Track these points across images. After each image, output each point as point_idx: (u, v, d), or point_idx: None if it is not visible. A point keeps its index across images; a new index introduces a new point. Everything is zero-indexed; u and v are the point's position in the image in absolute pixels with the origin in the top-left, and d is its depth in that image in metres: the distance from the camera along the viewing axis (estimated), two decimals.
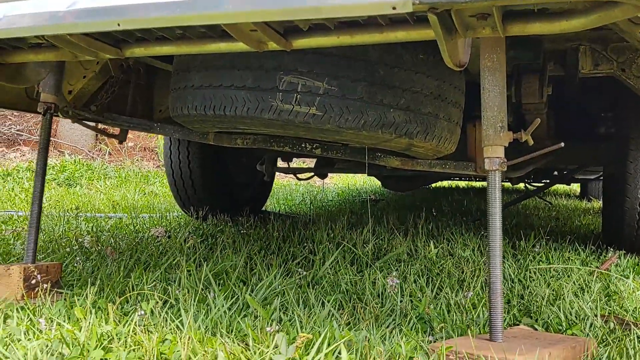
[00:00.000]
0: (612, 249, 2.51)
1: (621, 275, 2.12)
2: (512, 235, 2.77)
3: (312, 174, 3.02)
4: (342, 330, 1.29)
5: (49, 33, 1.13)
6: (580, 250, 2.50)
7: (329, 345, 1.13)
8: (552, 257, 2.35)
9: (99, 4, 1.06)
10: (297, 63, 1.44)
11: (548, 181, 3.48)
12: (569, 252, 2.47)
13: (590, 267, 2.29)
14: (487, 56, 1.22)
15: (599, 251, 2.53)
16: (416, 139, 1.57)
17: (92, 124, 1.91)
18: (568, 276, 2.06)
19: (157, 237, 2.63)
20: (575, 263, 2.30)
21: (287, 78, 1.44)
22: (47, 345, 1.14)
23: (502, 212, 1.25)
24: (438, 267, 2.09)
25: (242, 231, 2.52)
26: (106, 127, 2.02)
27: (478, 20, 0.96)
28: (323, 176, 3.11)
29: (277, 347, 1.11)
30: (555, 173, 3.67)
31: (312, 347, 1.10)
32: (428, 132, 1.59)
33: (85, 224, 3.03)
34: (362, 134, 1.51)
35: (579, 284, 1.95)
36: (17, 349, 1.13)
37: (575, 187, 7.56)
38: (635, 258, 2.38)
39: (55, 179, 5.24)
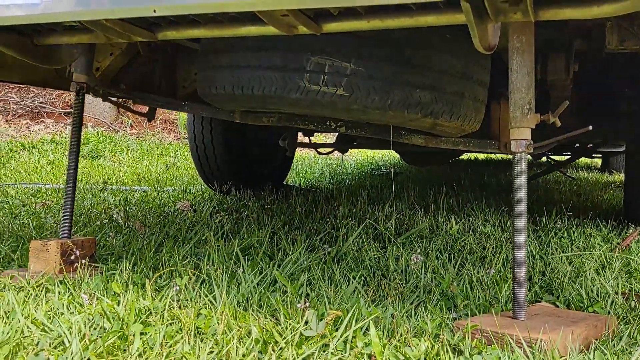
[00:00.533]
0: (633, 225, 2.52)
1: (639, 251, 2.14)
2: (533, 210, 2.79)
3: (333, 148, 3.05)
4: (369, 306, 1.33)
5: (86, 19, 1.16)
6: (601, 226, 2.51)
7: (357, 321, 1.18)
8: (573, 233, 2.36)
9: None
10: (324, 44, 1.46)
11: (570, 155, 3.47)
12: (591, 227, 2.48)
13: (611, 243, 2.31)
14: (516, 37, 1.23)
15: (620, 227, 2.54)
16: (441, 118, 1.59)
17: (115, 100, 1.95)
18: (590, 253, 2.08)
19: (183, 211, 2.69)
20: (596, 239, 2.31)
21: (314, 59, 1.46)
22: (89, 319, 1.20)
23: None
24: (460, 243, 2.12)
25: (265, 206, 2.57)
26: (134, 105, 2.05)
27: (510, 6, 0.97)
28: (344, 151, 3.14)
29: (307, 323, 1.16)
30: (577, 145, 3.66)
31: (341, 324, 1.15)
32: (453, 111, 1.60)
33: (112, 197, 3.10)
34: (388, 113, 1.53)
35: (601, 261, 1.97)
36: (61, 322, 1.19)
37: (597, 160, 7.49)
38: None
39: (80, 152, 5.33)
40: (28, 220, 2.40)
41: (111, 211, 2.68)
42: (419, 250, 1.90)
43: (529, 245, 2.08)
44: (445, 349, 1.07)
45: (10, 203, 2.98)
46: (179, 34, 1.30)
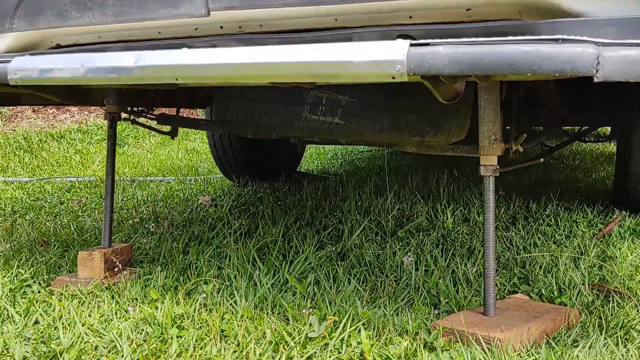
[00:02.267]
0: (617, 210, 2.73)
1: (619, 239, 2.36)
2: (527, 196, 3.00)
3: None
4: (364, 306, 1.59)
5: (120, 83, 1.40)
6: (588, 211, 2.72)
7: (352, 322, 1.44)
8: (560, 220, 2.58)
9: (158, 62, 1.33)
10: None
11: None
12: (577, 213, 2.70)
13: (595, 228, 2.53)
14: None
15: (606, 211, 2.75)
16: (427, 136, 1.82)
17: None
18: (571, 241, 2.30)
19: (205, 205, 2.97)
20: (581, 225, 2.53)
21: (313, 93, 1.69)
22: (135, 326, 1.48)
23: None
24: (454, 235, 2.36)
25: (279, 202, 2.82)
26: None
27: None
28: (351, 143, 3.36)
29: (311, 326, 1.42)
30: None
31: (339, 326, 1.41)
32: (438, 129, 1.82)
33: (140, 192, 3.38)
34: (379, 135, 1.76)
35: (579, 249, 2.20)
36: (112, 328, 1.47)
37: (606, 128, 7.57)
38: (637, 218, 2.59)
39: (105, 139, 5.62)
40: (68, 221, 2.69)
41: (140, 208, 2.96)
42: (412, 245, 2.14)
43: (515, 237, 2.31)
44: (421, 347, 1.32)
45: (49, 201, 3.28)
46: (196, 82, 1.54)
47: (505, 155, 1.55)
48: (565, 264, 2.00)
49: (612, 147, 5.88)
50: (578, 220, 2.60)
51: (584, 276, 1.91)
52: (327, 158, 4.94)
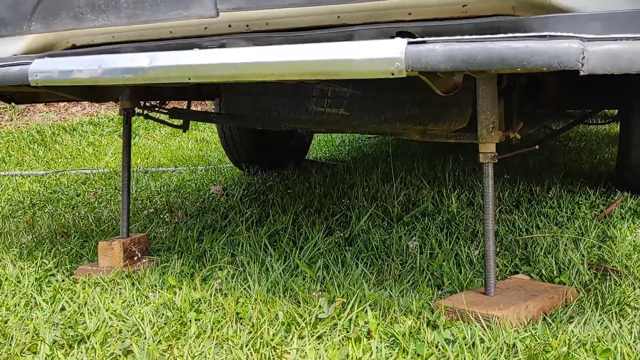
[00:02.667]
0: (619, 191, 2.79)
1: (620, 219, 2.42)
2: (531, 179, 3.07)
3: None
4: (371, 289, 1.68)
5: (136, 83, 1.49)
6: (590, 193, 2.78)
7: (360, 303, 1.53)
8: (562, 202, 2.65)
9: (171, 62, 1.41)
10: None
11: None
12: (580, 195, 2.76)
13: (597, 210, 2.59)
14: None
15: (608, 192, 2.81)
16: (430, 125, 1.89)
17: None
18: (572, 222, 2.37)
19: (217, 195, 3.06)
20: (583, 207, 2.60)
21: (319, 86, 1.77)
22: (155, 310, 1.57)
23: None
24: (458, 219, 2.43)
25: (289, 191, 2.91)
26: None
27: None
28: (356, 132, 3.44)
29: (321, 307, 1.51)
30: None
31: (347, 307, 1.50)
32: (439, 119, 1.89)
33: (153, 183, 3.48)
34: (383, 126, 1.83)
35: (580, 231, 2.27)
36: (134, 313, 1.57)
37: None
38: (639, 199, 2.66)
39: (116, 131, 5.72)
40: (86, 213, 2.79)
41: (154, 198, 3.06)
42: (418, 229, 2.23)
43: (518, 219, 2.38)
44: (424, 326, 1.41)
45: (66, 193, 3.39)
46: (207, 80, 1.61)
47: (508, 141, 1.62)
48: (566, 245, 2.07)
49: (617, 128, 5.91)
50: (580, 202, 2.66)
51: (583, 256, 1.98)
52: (335, 145, 5.01)
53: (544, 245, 2.08)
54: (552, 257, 1.97)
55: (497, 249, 2.08)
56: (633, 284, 1.75)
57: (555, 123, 3.92)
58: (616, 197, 2.72)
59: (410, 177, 3.14)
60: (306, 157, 3.96)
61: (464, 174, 3.26)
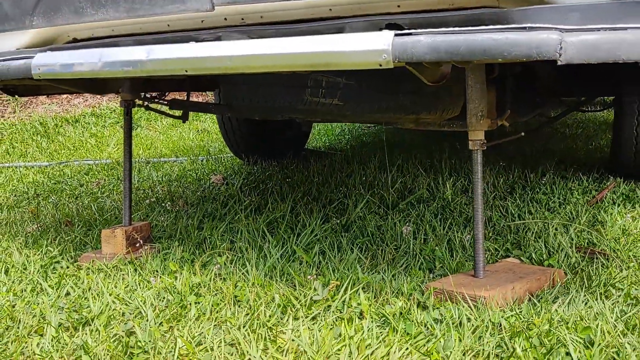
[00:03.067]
0: (612, 177, 2.84)
1: (611, 204, 2.48)
2: (527, 166, 3.11)
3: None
4: (365, 272, 1.74)
5: (135, 75, 1.54)
6: (583, 179, 2.83)
7: (353, 286, 1.59)
8: (555, 188, 2.70)
9: (169, 55, 1.46)
10: None
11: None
12: (573, 182, 2.81)
13: (589, 195, 2.65)
14: None
15: (601, 178, 2.86)
16: (422, 114, 1.94)
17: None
18: (564, 208, 2.42)
19: (217, 184, 3.12)
20: (575, 193, 2.65)
21: (313, 76, 1.82)
22: (157, 294, 1.64)
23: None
24: (453, 205, 2.49)
25: (287, 179, 2.97)
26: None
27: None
28: (351, 122, 3.48)
29: (315, 290, 1.57)
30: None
31: (340, 290, 1.56)
32: (432, 108, 1.94)
33: (155, 173, 3.54)
34: (376, 115, 1.88)
35: (571, 216, 2.32)
36: (136, 297, 1.63)
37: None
38: (631, 185, 2.71)
39: (118, 122, 5.78)
40: (89, 203, 2.85)
41: (156, 188, 3.12)
42: (412, 215, 2.28)
43: (511, 205, 2.44)
44: (414, 306, 1.47)
45: (69, 183, 3.45)
46: (203, 73, 1.67)
47: (504, 129, 1.67)
48: (556, 230, 2.13)
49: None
50: (573, 188, 2.71)
51: (572, 240, 2.04)
52: (335, 135, 5.06)
53: (535, 230, 2.13)
54: (542, 241, 2.02)
55: (490, 234, 2.13)
56: (620, 266, 1.81)
57: (550, 111, 3.97)
58: (608, 183, 2.77)
59: (407, 165, 3.20)
60: (305, 147, 4.02)
61: (461, 161, 3.31)
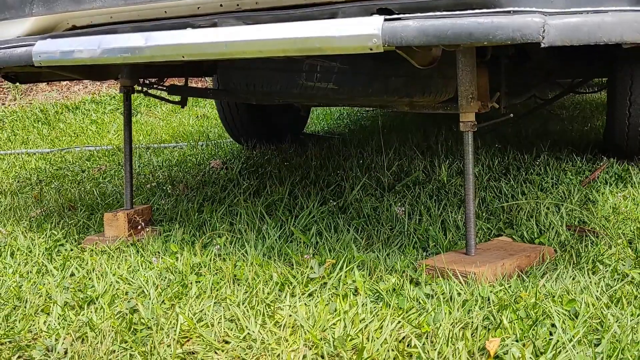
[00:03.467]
0: (606, 157, 2.88)
1: (604, 184, 2.52)
2: (522, 148, 3.15)
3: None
4: (360, 251, 1.79)
5: (134, 61, 1.58)
6: (577, 159, 2.87)
7: (348, 264, 1.64)
8: (549, 169, 2.75)
9: (166, 42, 1.50)
10: None
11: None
12: (567, 162, 2.86)
13: (582, 175, 2.69)
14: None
15: (594, 159, 2.90)
16: (415, 97, 1.98)
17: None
18: (557, 188, 2.47)
19: (216, 168, 3.17)
20: (568, 174, 2.69)
21: (308, 61, 1.85)
22: (159, 274, 1.69)
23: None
24: (448, 187, 2.54)
25: (286, 163, 3.01)
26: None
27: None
28: (346, 106, 3.52)
29: (312, 268, 1.63)
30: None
31: (336, 268, 1.61)
32: (425, 91, 1.98)
33: (155, 158, 3.59)
34: (371, 99, 1.92)
35: (563, 195, 2.37)
36: (139, 277, 1.68)
37: None
38: (624, 165, 2.75)
39: (118, 109, 5.81)
40: (92, 188, 2.90)
41: (156, 173, 3.17)
42: (408, 197, 2.33)
43: (505, 186, 2.48)
44: (407, 283, 1.52)
45: (71, 169, 3.50)
46: (200, 58, 1.71)
47: (498, 111, 1.72)
48: (548, 209, 2.18)
49: None
50: (567, 169, 2.75)
51: (562, 219, 2.09)
52: (334, 119, 5.10)
53: (527, 209, 2.18)
54: (534, 220, 2.07)
55: (483, 214, 2.18)
56: (609, 243, 1.86)
57: (546, 93, 4.00)
58: (602, 163, 2.81)
59: (404, 148, 3.24)
60: (304, 131, 4.06)
61: (457, 144, 3.35)
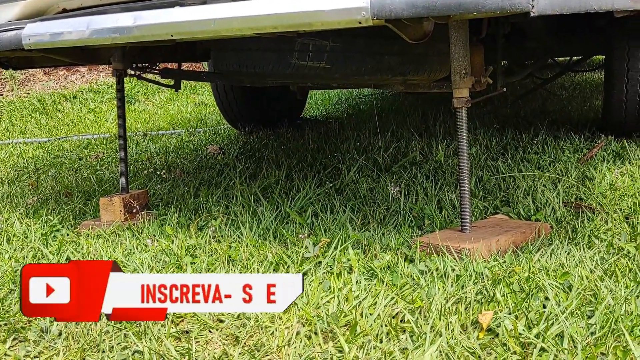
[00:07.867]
0: (604, 135, 2.86)
1: (601, 161, 2.51)
2: (521, 127, 3.14)
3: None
4: (355, 230, 1.79)
5: (122, 42, 1.57)
6: (575, 138, 2.86)
7: (343, 243, 1.64)
8: (547, 147, 2.73)
9: (154, 21, 1.48)
10: None
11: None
12: (565, 141, 2.84)
13: (580, 153, 2.68)
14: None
15: (592, 137, 2.89)
16: (409, 75, 1.96)
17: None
18: (554, 166, 2.46)
19: (213, 153, 3.16)
20: (566, 152, 2.68)
21: (300, 40, 1.84)
22: (154, 256, 1.69)
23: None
24: (445, 167, 2.53)
25: (283, 147, 3.00)
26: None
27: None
28: (341, 86, 3.50)
29: (307, 248, 1.62)
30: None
31: (331, 247, 1.61)
32: (419, 69, 1.96)
33: (153, 145, 3.58)
34: (364, 78, 1.91)
35: (561, 173, 2.36)
36: (134, 259, 1.68)
37: None
38: (622, 142, 2.73)
39: (116, 97, 5.79)
40: (88, 175, 2.90)
41: (154, 159, 3.16)
42: (404, 181, 2.32)
43: (502, 165, 2.47)
44: (402, 260, 1.52)
45: (68, 157, 3.49)
46: (189, 37, 1.69)
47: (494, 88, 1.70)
48: (544, 186, 2.16)
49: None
50: (565, 147, 2.74)
51: (559, 195, 2.08)
52: (332, 104, 5.07)
53: (523, 187, 2.17)
54: (530, 197, 2.06)
55: (480, 193, 2.17)
56: (605, 219, 1.85)
57: (544, 71, 3.97)
58: (600, 141, 2.80)
59: (401, 130, 3.23)
60: (301, 116, 4.04)
61: (455, 125, 3.33)
